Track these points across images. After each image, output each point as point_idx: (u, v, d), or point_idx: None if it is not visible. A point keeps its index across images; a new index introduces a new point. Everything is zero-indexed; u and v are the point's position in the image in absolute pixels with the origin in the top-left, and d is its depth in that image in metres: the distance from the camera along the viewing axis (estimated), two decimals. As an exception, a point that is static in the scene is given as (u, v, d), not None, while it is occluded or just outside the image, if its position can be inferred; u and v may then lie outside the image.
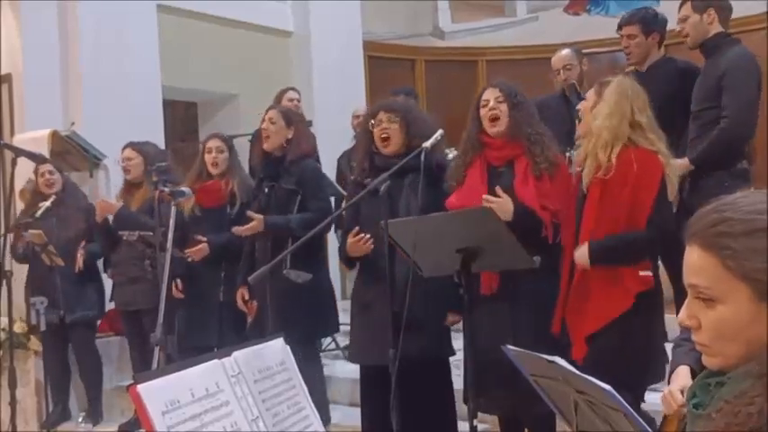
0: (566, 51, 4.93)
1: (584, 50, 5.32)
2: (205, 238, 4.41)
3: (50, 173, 5.06)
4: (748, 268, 1.09)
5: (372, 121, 3.45)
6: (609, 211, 2.90)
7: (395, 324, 2.90)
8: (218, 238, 4.41)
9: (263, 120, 4.10)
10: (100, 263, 5.25)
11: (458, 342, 3.45)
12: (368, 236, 3.29)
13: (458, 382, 3.45)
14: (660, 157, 2.92)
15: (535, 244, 2.97)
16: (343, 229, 3.65)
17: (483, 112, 3.24)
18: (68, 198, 5.12)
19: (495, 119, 3.21)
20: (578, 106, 3.10)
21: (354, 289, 3.62)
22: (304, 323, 3.80)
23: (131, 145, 5.02)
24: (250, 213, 3.96)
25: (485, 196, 3.06)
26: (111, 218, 4.90)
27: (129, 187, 5.05)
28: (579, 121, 3.12)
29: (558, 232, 3.10)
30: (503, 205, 3.03)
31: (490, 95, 3.24)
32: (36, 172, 5.05)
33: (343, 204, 4.50)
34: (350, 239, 3.33)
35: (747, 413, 1.04)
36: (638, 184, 2.87)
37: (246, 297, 4.10)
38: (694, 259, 1.15)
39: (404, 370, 2.85)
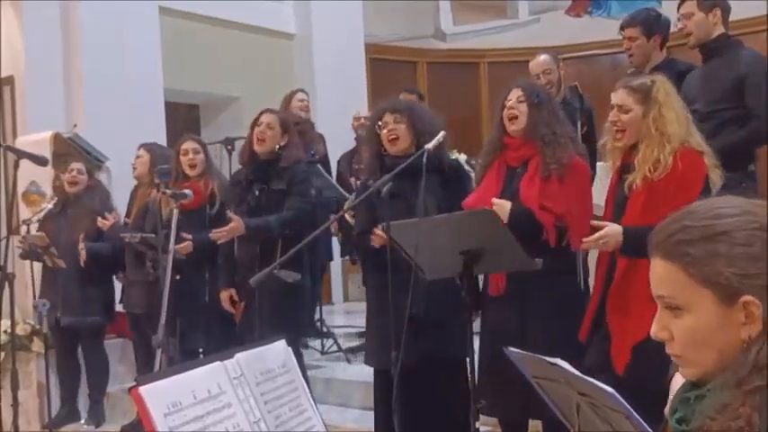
0: (543, 57, 4.91)
1: (586, 53, 5.32)
2: (190, 236, 4.39)
3: (80, 172, 5.10)
4: (709, 273, 1.11)
5: (379, 123, 3.45)
6: (654, 212, 2.79)
7: (410, 326, 2.90)
8: (202, 237, 4.40)
9: (260, 122, 4.05)
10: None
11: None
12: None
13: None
14: (705, 159, 2.87)
15: (535, 247, 2.96)
16: (357, 230, 3.68)
17: (504, 112, 3.25)
18: (85, 199, 5.13)
19: (513, 118, 3.22)
20: (612, 117, 2.98)
21: (369, 291, 3.63)
22: (289, 322, 3.81)
23: (143, 144, 5.11)
24: (230, 215, 3.89)
25: (493, 199, 3.07)
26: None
27: (138, 186, 5.11)
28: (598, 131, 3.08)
29: (563, 235, 3.08)
30: (501, 207, 3.04)
31: (513, 95, 3.24)
32: (65, 170, 5.09)
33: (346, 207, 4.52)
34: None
35: (738, 427, 1.04)
36: (681, 185, 2.80)
37: (236, 298, 4.10)
38: (658, 270, 1.17)
39: (422, 370, 2.83)
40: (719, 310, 1.11)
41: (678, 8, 3.92)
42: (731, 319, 1.10)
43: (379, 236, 3.27)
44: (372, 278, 3.63)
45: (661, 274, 1.16)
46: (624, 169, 2.98)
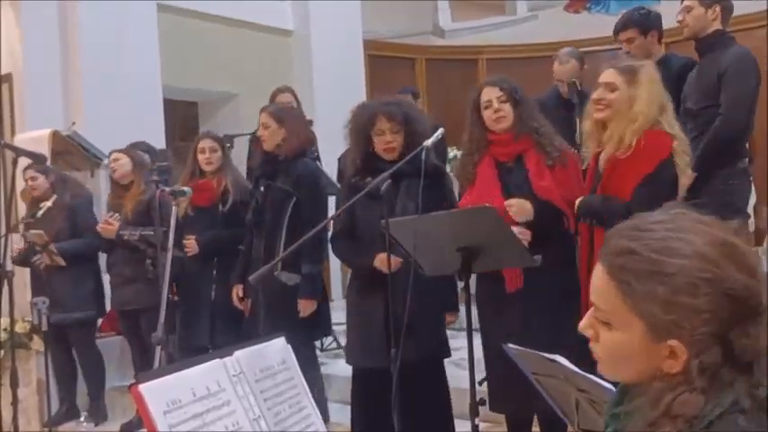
0: (571, 63, 4.82)
1: (584, 49, 5.28)
2: (193, 237, 4.42)
3: (32, 179, 5.04)
4: (644, 310, 1.07)
5: (373, 129, 3.40)
6: (613, 185, 2.91)
7: (392, 326, 2.89)
8: (205, 235, 4.42)
9: (259, 124, 4.10)
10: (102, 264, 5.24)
11: (459, 341, 3.44)
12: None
13: (463, 381, 3.44)
14: (674, 141, 2.91)
15: (557, 237, 2.97)
16: (334, 230, 3.57)
17: (487, 113, 3.19)
18: (56, 198, 5.10)
19: (501, 118, 3.18)
20: (598, 95, 3.00)
21: (349, 290, 3.60)
22: (296, 324, 3.80)
23: (118, 149, 5.06)
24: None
25: (507, 201, 3.05)
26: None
27: (118, 189, 5.06)
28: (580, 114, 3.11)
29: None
30: (522, 206, 3.02)
31: (491, 95, 3.18)
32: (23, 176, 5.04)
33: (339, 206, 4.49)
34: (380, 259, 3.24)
35: None
36: (638, 158, 2.87)
37: (241, 295, 4.11)
38: (599, 280, 1.13)
39: (399, 372, 2.83)
40: (645, 341, 1.08)
41: (681, 2, 3.93)
42: (655, 352, 1.08)
43: (381, 260, 3.16)
44: (352, 278, 3.61)
45: (600, 285, 1.12)
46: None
